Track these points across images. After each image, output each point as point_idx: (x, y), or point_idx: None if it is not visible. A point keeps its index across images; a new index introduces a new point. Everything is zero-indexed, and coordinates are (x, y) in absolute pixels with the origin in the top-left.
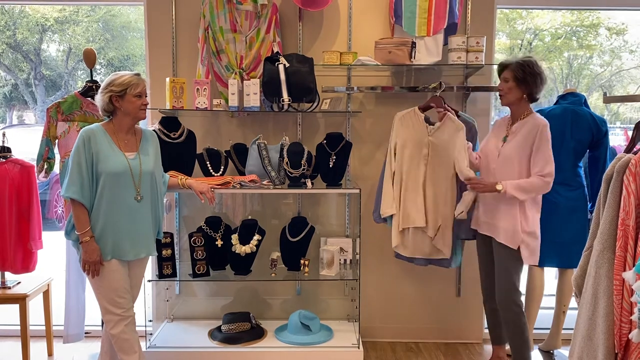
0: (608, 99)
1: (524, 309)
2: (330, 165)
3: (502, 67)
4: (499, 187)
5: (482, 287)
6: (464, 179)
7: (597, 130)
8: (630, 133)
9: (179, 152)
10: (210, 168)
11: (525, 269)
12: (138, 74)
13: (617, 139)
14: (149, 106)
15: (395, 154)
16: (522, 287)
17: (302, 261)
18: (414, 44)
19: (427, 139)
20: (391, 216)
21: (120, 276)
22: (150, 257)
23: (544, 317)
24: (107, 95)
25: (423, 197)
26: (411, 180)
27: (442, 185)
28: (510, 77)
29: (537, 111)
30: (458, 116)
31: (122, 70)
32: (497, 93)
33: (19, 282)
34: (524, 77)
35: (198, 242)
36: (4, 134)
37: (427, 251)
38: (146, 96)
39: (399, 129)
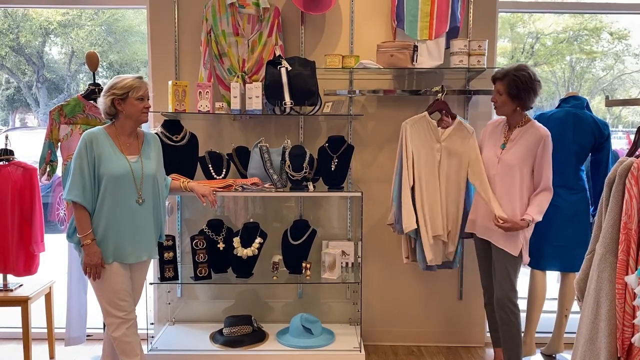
0: (610, 102)
1: (520, 311)
2: (332, 168)
3: (496, 78)
4: (529, 220)
5: (483, 289)
6: (497, 219)
7: (599, 133)
8: (632, 137)
9: (181, 155)
10: (212, 171)
11: (526, 272)
12: (140, 77)
13: (620, 142)
14: (151, 109)
15: (413, 164)
16: (524, 291)
17: (303, 264)
18: (415, 48)
19: (440, 144)
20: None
21: (121, 279)
22: (152, 260)
23: (546, 321)
24: (109, 99)
25: (440, 204)
26: (430, 189)
27: (454, 190)
28: (503, 91)
29: (540, 114)
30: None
31: (124, 73)
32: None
33: (21, 285)
34: (517, 93)
35: (200, 245)
36: (6, 137)
37: (441, 257)
38: (148, 99)
39: (413, 137)
